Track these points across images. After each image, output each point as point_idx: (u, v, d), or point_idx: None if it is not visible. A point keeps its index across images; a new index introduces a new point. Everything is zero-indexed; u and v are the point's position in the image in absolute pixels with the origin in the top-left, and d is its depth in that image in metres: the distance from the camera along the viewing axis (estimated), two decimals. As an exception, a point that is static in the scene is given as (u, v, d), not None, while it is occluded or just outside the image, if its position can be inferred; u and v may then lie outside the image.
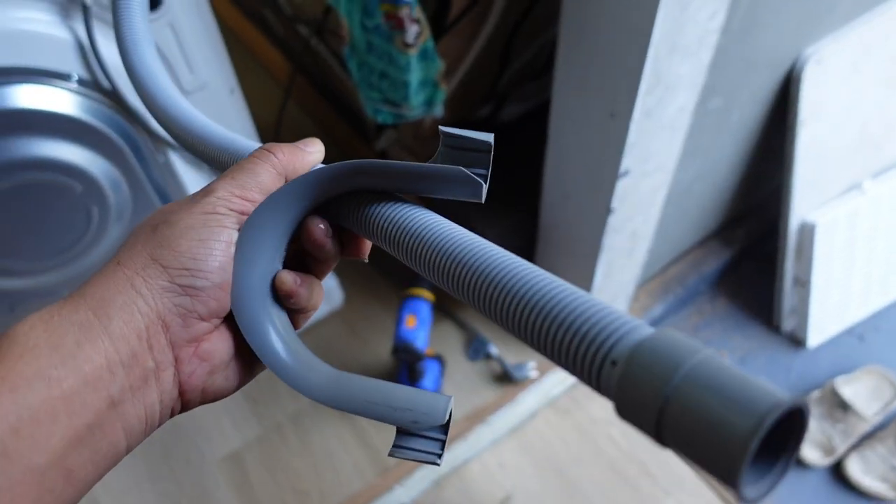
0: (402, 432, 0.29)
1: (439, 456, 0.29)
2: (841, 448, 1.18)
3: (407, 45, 0.80)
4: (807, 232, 1.22)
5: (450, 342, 1.25)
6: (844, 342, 1.35)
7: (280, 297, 0.33)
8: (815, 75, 1.09)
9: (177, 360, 0.29)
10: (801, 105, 1.10)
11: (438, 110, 0.95)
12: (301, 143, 0.35)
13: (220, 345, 0.31)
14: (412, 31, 0.79)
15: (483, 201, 0.30)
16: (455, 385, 1.20)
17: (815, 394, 1.25)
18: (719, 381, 0.19)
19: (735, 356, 1.34)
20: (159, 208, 0.32)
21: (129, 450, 0.28)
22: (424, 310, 1.04)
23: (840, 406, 1.21)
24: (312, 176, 0.32)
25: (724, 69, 0.92)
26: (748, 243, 1.42)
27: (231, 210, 0.31)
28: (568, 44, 0.83)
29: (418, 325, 1.02)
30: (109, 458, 0.27)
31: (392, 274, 1.32)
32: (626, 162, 0.86)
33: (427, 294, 1.06)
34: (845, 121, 1.19)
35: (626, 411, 0.21)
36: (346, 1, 0.85)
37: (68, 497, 0.26)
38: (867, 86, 1.19)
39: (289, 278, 0.32)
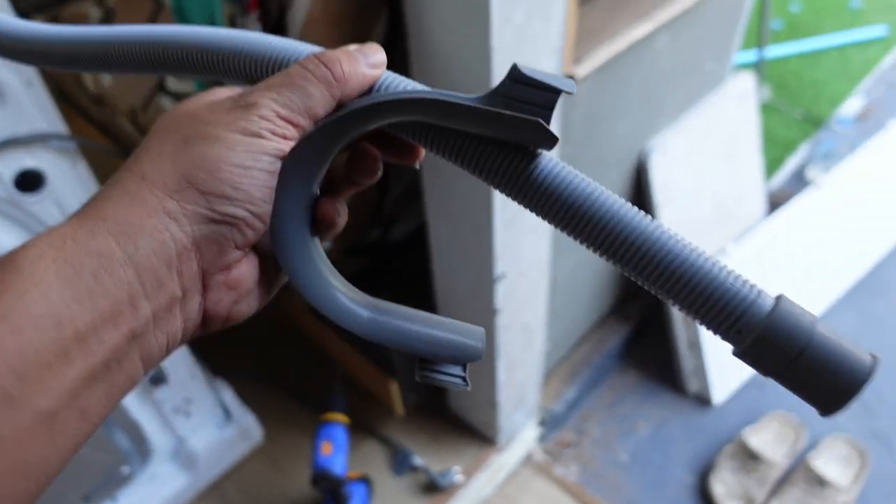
0: (426, 359, 0.29)
1: (464, 379, 0.29)
2: (759, 497, 1.24)
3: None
4: (687, 299, 1.33)
5: (374, 460, 1.25)
6: (747, 394, 1.44)
7: (320, 227, 0.30)
8: (661, 164, 1.23)
9: (205, 287, 0.27)
10: (654, 190, 1.23)
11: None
12: (362, 53, 0.29)
13: (248, 272, 0.28)
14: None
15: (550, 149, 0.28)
16: (384, 503, 1.20)
17: (728, 448, 1.32)
18: (832, 349, 0.25)
19: (651, 425, 1.40)
20: (184, 106, 0.28)
21: (144, 375, 0.26)
22: (339, 434, 1.06)
23: (751, 456, 1.28)
24: (366, 110, 0.28)
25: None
26: (645, 315, 1.52)
27: (275, 135, 0.27)
28: (429, 173, 0.93)
29: (335, 451, 1.03)
30: (125, 389, 0.25)
31: (307, 399, 1.33)
32: (500, 266, 0.94)
33: (341, 417, 1.08)
34: (697, 197, 1.34)
35: (752, 362, 0.26)
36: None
37: (84, 432, 0.24)
38: (709, 164, 1.35)
39: (333, 210, 0.30)
